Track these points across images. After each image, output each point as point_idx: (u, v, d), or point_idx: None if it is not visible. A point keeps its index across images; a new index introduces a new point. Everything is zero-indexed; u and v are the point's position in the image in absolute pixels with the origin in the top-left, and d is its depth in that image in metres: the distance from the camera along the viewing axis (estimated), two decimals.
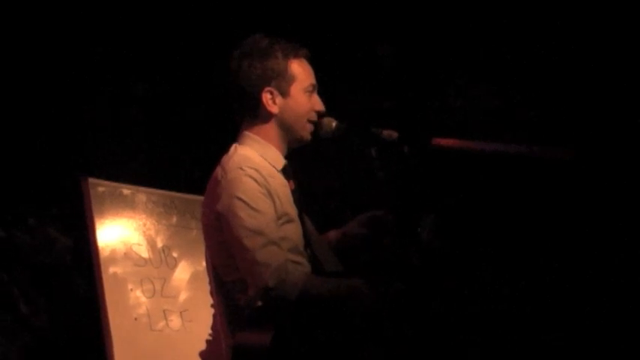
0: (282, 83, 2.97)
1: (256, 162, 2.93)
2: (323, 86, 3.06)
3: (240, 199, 2.82)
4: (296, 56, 3.00)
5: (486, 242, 4.08)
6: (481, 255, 4.01)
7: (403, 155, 2.92)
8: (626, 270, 3.81)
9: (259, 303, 2.78)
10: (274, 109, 2.98)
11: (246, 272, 2.81)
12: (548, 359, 3.70)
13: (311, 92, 3.01)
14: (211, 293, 2.97)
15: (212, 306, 2.99)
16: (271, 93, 2.97)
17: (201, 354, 3.08)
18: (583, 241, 3.92)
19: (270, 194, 2.87)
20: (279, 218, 2.88)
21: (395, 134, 2.96)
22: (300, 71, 2.99)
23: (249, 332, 2.79)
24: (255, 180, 2.86)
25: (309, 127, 3.02)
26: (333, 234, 3.22)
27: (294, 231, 2.94)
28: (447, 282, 3.68)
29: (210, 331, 3.06)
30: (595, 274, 3.85)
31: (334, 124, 3.03)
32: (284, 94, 2.97)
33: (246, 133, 3.02)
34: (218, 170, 2.94)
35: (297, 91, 2.99)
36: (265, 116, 2.99)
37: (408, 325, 2.82)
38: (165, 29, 4.45)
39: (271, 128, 3.00)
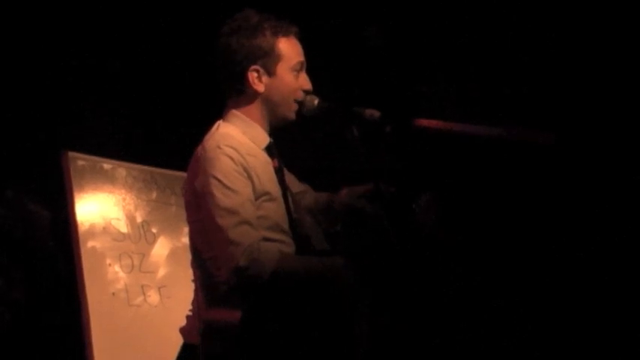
0: (269, 62, 2.95)
1: (237, 140, 2.92)
2: (308, 65, 3.05)
3: (215, 177, 2.82)
4: (285, 34, 2.98)
5: (474, 227, 4.08)
6: (473, 245, 4.01)
7: (385, 135, 2.92)
8: (620, 259, 3.81)
9: (234, 281, 2.78)
10: (260, 88, 2.97)
11: (219, 251, 2.80)
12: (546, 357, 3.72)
13: (299, 71, 2.99)
14: (193, 268, 2.98)
15: (193, 281, 2.99)
16: (257, 72, 2.95)
17: (182, 330, 3.09)
18: (571, 230, 3.92)
19: (247, 173, 2.86)
20: (259, 197, 2.88)
21: (377, 114, 2.95)
22: (288, 49, 2.98)
23: (222, 309, 2.79)
24: (232, 159, 2.85)
25: (295, 107, 3.01)
26: (345, 192, 3.20)
27: (274, 209, 2.93)
28: (447, 273, 3.69)
29: (190, 307, 3.07)
30: (588, 271, 3.85)
31: (316, 101, 3.01)
32: (270, 73, 2.96)
33: (232, 110, 3.01)
34: (199, 148, 2.94)
35: (284, 70, 2.97)
36: (251, 94, 2.98)
37: (386, 307, 2.82)
38: (147, 4, 4.41)
39: (256, 107, 2.99)
